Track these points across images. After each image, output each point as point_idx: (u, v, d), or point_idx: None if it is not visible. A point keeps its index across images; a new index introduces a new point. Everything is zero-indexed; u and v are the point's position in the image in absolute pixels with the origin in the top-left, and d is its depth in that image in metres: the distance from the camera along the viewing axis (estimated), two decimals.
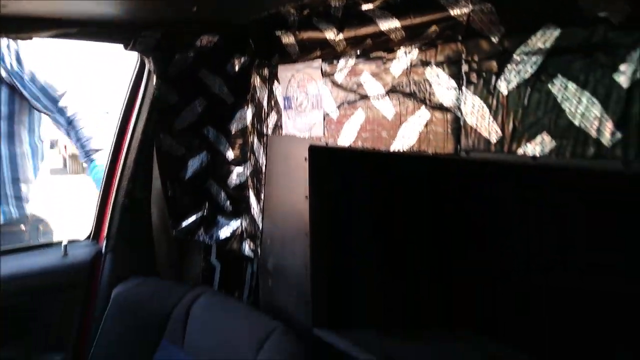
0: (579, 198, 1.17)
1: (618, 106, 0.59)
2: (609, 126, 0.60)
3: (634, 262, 1.20)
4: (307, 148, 1.14)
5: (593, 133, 0.61)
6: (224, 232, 1.51)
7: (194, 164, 1.49)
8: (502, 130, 0.72)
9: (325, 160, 1.15)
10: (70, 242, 1.59)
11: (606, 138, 0.60)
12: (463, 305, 1.56)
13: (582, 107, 0.62)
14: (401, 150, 0.90)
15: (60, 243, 1.57)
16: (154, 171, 1.48)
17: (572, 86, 0.63)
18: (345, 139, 1.02)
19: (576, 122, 0.63)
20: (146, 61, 1.36)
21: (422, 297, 1.41)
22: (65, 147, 11.67)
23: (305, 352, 1.03)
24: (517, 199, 1.35)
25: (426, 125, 0.84)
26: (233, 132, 1.44)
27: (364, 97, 0.97)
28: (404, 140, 0.89)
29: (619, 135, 0.59)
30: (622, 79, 0.58)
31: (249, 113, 1.38)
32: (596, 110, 0.61)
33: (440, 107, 0.82)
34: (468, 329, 1.25)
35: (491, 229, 1.65)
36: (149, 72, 1.40)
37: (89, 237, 1.64)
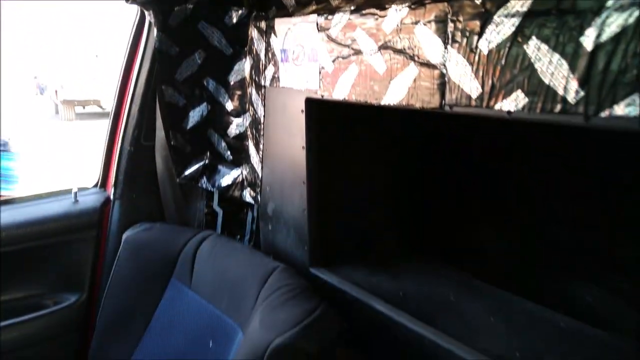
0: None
1: (582, 67, 0.65)
2: (574, 85, 0.67)
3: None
4: (303, 100, 1.19)
5: (560, 91, 0.68)
6: (226, 180, 1.59)
7: (194, 115, 1.55)
8: (482, 86, 0.79)
9: (321, 112, 1.21)
10: (80, 189, 1.68)
11: (571, 95, 0.67)
12: (449, 245, 1.68)
13: (552, 67, 0.69)
14: (391, 104, 0.97)
15: (70, 190, 1.66)
16: (157, 120, 1.54)
17: (544, 47, 0.69)
18: (340, 92, 1.08)
19: (546, 81, 0.70)
20: (146, 13, 1.39)
21: (410, 239, 1.52)
22: (56, 92, 11.39)
23: (305, 286, 1.14)
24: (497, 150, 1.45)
25: (414, 81, 0.91)
26: (232, 84, 1.49)
27: (358, 52, 1.02)
28: (394, 95, 0.96)
29: (582, 93, 0.66)
30: (587, 42, 0.64)
31: (247, 65, 1.42)
32: (564, 70, 0.68)
33: (428, 64, 0.88)
34: (454, 266, 1.35)
35: (477, 178, 1.75)
36: (150, 24, 1.43)
37: (96, 184, 1.73)
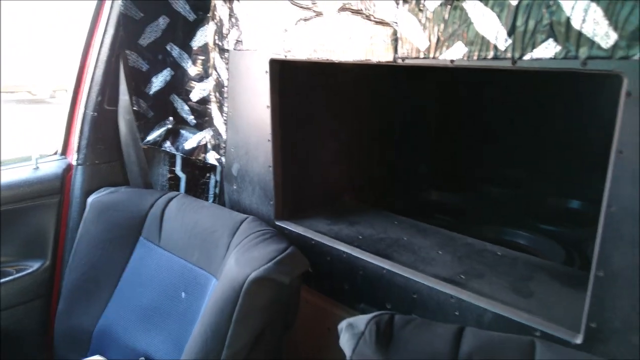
0: None
1: (509, 19, 0.79)
2: (503, 34, 0.81)
3: None
4: (267, 61, 1.28)
5: (493, 40, 0.82)
6: (189, 144, 1.66)
7: (157, 80, 1.60)
8: (429, 40, 0.92)
9: (285, 72, 1.31)
10: (41, 156, 1.68)
11: (501, 43, 0.81)
12: (401, 202, 1.84)
13: (485, 21, 0.83)
14: (351, 61, 1.08)
15: (29, 158, 1.66)
16: (120, 85, 1.57)
17: (479, 4, 0.83)
18: (302, 52, 1.18)
19: (481, 33, 0.84)
20: None
21: (367, 193, 1.65)
22: None
23: (275, 231, 1.24)
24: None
25: (371, 38, 1.02)
26: (195, 49, 1.55)
27: (319, 14, 1.13)
28: (353, 52, 1.07)
29: (509, 41, 0.80)
30: None
31: (210, 30, 1.49)
32: (495, 23, 0.81)
33: (382, 23, 1.00)
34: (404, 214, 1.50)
35: (426, 139, 1.92)
36: None
37: (57, 151, 1.74)
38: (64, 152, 1.72)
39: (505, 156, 2.45)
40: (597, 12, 0.72)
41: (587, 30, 0.73)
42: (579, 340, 0.82)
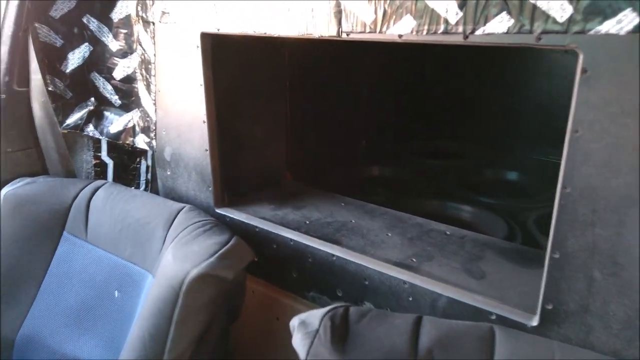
0: None
1: None
2: (453, 7, 0.75)
3: None
4: (198, 35, 1.17)
5: (443, 13, 0.77)
6: (115, 127, 1.51)
7: (74, 56, 1.44)
8: (375, 13, 0.85)
9: (218, 47, 1.20)
10: None
11: (452, 17, 0.76)
12: (344, 180, 1.80)
13: None
14: (290, 35, 1.00)
15: None
16: (31, 63, 1.40)
17: None
18: (237, 25, 1.08)
19: (430, 5, 0.78)
20: None
21: (307, 171, 1.60)
22: None
23: (215, 221, 1.16)
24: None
25: (312, 10, 0.94)
26: (116, 22, 1.39)
27: None
28: (292, 26, 0.98)
29: (460, 14, 0.75)
30: None
31: (131, 0, 1.34)
32: None
33: None
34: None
35: (365, 118, 1.88)
36: None
37: None
38: None
39: (442, 129, 2.49)
40: None
41: (542, 3, 0.69)
42: (535, 322, 0.81)
